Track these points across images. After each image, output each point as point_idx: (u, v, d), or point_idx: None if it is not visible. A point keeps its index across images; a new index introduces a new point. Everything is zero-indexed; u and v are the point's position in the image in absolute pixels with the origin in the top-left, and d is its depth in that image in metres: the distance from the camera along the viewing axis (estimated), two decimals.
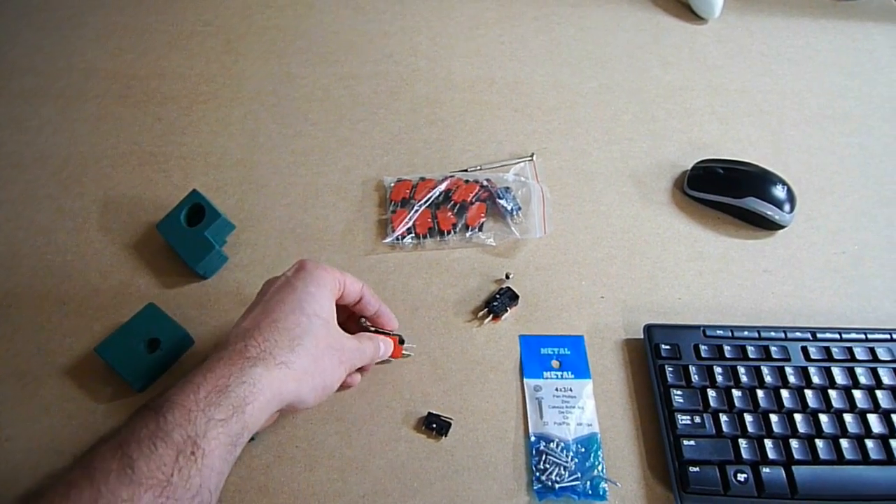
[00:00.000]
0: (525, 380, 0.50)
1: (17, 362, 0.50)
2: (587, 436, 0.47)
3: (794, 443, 0.46)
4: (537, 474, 0.45)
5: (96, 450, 0.33)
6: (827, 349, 0.50)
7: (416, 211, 0.58)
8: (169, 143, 0.63)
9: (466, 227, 0.58)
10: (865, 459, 0.46)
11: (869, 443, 0.46)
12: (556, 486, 0.45)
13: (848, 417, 0.47)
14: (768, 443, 0.46)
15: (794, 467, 0.45)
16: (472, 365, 0.51)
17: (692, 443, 0.46)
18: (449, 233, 0.57)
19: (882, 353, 0.50)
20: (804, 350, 0.50)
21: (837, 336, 0.51)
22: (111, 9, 0.74)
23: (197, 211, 0.54)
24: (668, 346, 0.50)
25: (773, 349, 0.50)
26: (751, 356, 0.50)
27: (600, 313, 0.54)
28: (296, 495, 0.44)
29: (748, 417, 0.47)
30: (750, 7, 0.79)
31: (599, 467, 0.46)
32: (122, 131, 0.64)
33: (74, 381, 0.49)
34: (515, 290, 0.54)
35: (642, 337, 0.52)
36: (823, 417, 0.47)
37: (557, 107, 0.68)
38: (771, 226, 0.59)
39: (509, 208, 0.58)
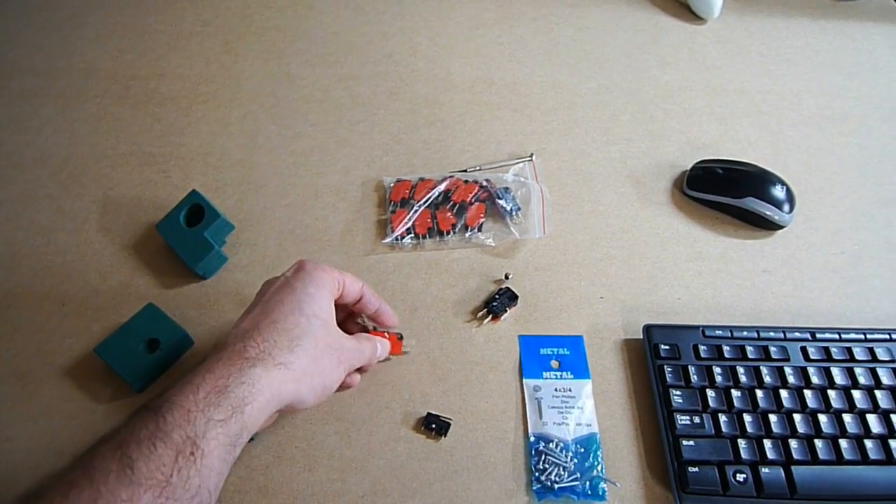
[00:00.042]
0: (524, 380, 0.50)
1: (16, 362, 0.50)
2: (586, 436, 0.47)
3: (793, 443, 0.46)
4: (536, 474, 0.45)
5: (96, 450, 0.33)
6: (826, 349, 0.50)
7: (416, 211, 0.58)
8: (168, 144, 0.63)
9: (466, 228, 0.58)
10: (864, 459, 0.46)
11: (868, 443, 0.46)
12: (556, 486, 0.45)
13: (847, 417, 0.47)
14: (767, 443, 0.46)
15: (793, 467, 0.45)
16: (472, 365, 0.51)
17: (691, 443, 0.46)
18: (448, 233, 0.57)
19: (881, 354, 0.50)
20: (803, 350, 0.50)
21: (836, 336, 0.51)
22: (111, 9, 0.74)
23: (196, 211, 0.54)
24: (667, 347, 0.50)
25: (772, 349, 0.50)
26: (750, 356, 0.50)
27: (599, 313, 0.54)
28: (295, 495, 0.44)
29: (747, 417, 0.47)
30: (749, 7, 0.80)
31: (599, 467, 0.46)
32: (122, 131, 0.64)
33: (74, 381, 0.49)
34: (515, 290, 0.54)
35: (641, 337, 0.52)
36: (822, 417, 0.47)
37: (556, 107, 0.68)
38: (770, 226, 0.59)
39: (508, 209, 0.58)
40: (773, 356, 0.50)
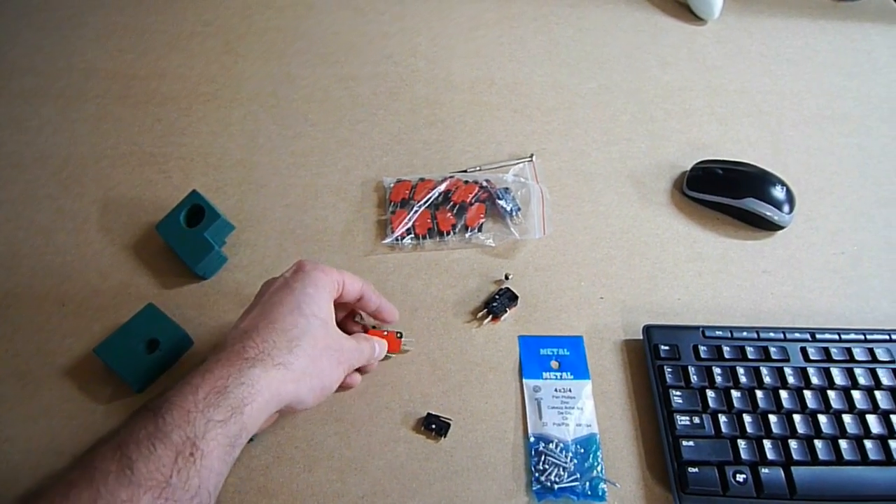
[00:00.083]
0: (524, 380, 0.50)
1: (16, 363, 0.50)
2: (586, 436, 0.47)
3: (793, 443, 0.46)
4: (536, 475, 0.45)
5: (96, 451, 0.33)
6: (826, 350, 0.50)
7: (416, 212, 0.58)
8: (169, 144, 0.63)
9: (466, 228, 0.58)
10: (864, 460, 0.46)
11: (868, 443, 0.46)
12: (556, 486, 0.45)
13: (847, 418, 0.47)
14: (767, 443, 0.46)
15: (792, 468, 0.45)
16: (472, 365, 0.51)
17: (691, 443, 0.46)
18: (448, 233, 0.57)
19: (881, 354, 0.50)
20: (803, 351, 0.50)
21: (836, 337, 0.51)
22: (111, 9, 0.74)
23: (196, 212, 0.54)
24: (667, 347, 0.50)
25: (772, 350, 0.50)
26: (750, 357, 0.50)
27: (599, 314, 0.54)
28: (295, 496, 0.44)
29: (747, 418, 0.47)
30: (749, 8, 0.80)
31: (598, 468, 0.46)
32: (122, 132, 0.64)
33: (74, 381, 0.49)
34: (515, 290, 0.54)
35: (641, 337, 0.52)
36: (822, 418, 0.47)
37: (556, 107, 0.68)
38: (770, 226, 0.59)
39: (509, 209, 0.58)
40: (773, 357, 0.50)
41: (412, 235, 0.57)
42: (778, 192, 0.59)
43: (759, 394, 0.48)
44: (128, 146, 0.63)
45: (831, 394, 0.48)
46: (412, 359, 0.51)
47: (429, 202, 0.59)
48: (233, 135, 0.64)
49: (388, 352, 0.49)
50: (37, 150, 0.62)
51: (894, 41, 0.78)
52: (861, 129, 0.69)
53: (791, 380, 0.49)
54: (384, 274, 0.55)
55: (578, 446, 0.47)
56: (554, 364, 0.51)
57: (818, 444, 0.46)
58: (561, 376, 0.50)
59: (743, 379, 0.49)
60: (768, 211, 0.58)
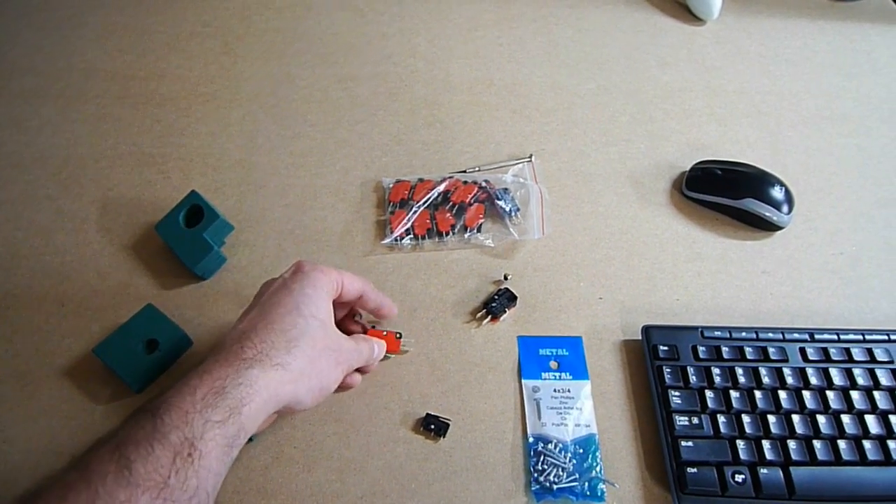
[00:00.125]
0: (523, 381, 0.50)
1: (15, 363, 0.50)
2: (585, 437, 0.47)
3: (791, 443, 0.46)
4: (535, 475, 0.45)
5: (94, 452, 0.33)
6: (825, 350, 0.50)
7: (415, 212, 0.58)
8: (168, 144, 0.63)
9: (465, 228, 0.58)
10: (863, 460, 0.46)
11: (866, 444, 0.46)
12: (554, 486, 0.45)
13: (846, 418, 0.47)
14: (766, 444, 0.46)
15: (791, 468, 0.45)
16: (471, 366, 0.51)
17: (690, 444, 0.46)
18: (447, 234, 0.57)
19: (880, 354, 0.50)
20: (802, 351, 0.50)
21: (835, 337, 0.51)
22: (111, 9, 0.74)
23: (196, 212, 0.54)
24: (665, 347, 0.50)
25: (771, 350, 0.50)
26: (749, 357, 0.50)
27: (598, 314, 0.54)
28: (294, 496, 0.44)
29: (746, 418, 0.47)
30: (748, 8, 0.80)
31: (597, 468, 0.46)
32: (122, 132, 0.64)
33: (73, 381, 0.49)
34: (514, 291, 0.54)
35: (640, 338, 0.52)
36: (821, 418, 0.47)
37: (556, 108, 0.68)
38: (769, 227, 0.59)
39: (508, 209, 0.58)
40: (772, 357, 0.50)
41: (411, 236, 0.57)
42: (777, 193, 0.59)
43: (757, 394, 0.48)
44: (127, 146, 0.63)
45: (830, 394, 0.48)
46: (411, 359, 0.51)
47: (428, 202, 0.59)
48: (232, 135, 0.64)
49: (387, 352, 0.49)
50: (36, 151, 0.62)
51: (893, 41, 0.78)
52: (860, 129, 0.69)
53: (790, 380, 0.49)
54: (383, 274, 0.55)
55: (577, 446, 0.47)
56: (553, 364, 0.51)
57: (817, 444, 0.46)
58: (560, 377, 0.50)
59: (742, 379, 0.49)
60: (767, 211, 0.58)
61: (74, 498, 0.31)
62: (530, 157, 0.63)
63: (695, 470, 0.45)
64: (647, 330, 0.51)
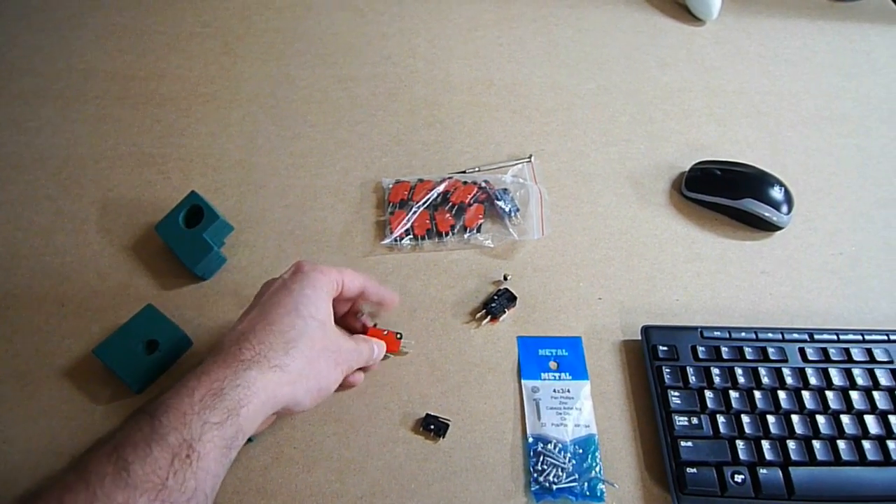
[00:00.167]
0: (523, 381, 0.50)
1: (15, 364, 0.50)
2: (585, 437, 0.47)
3: (791, 444, 0.46)
4: (535, 475, 0.45)
5: (92, 453, 0.33)
6: (824, 350, 0.51)
7: (415, 212, 0.58)
8: (168, 145, 0.63)
9: (464, 229, 0.58)
10: (862, 460, 0.46)
11: (866, 444, 0.46)
12: (554, 487, 0.45)
13: (845, 418, 0.47)
14: (765, 444, 0.46)
15: (791, 468, 0.45)
16: (470, 366, 0.51)
17: (689, 444, 0.46)
18: (447, 234, 0.57)
19: (879, 354, 0.51)
20: (801, 351, 0.50)
21: (835, 337, 0.51)
22: (110, 10, 0.74)
23: (195, 212, 0.54)
24: (665, 348, 0.50)
25: (770, 350, 0.50)
26: (748, 357, 0.50)
27: (598, 314, 0.54)
28: (294, 497, 0.45)
29: (745, 418, 0.47)
30: (747, 8, 0.80)
31: (597, 468, 0.46)
32: (122, 132, 0.64)
33: (73, 382, 0.49)
34: (513, 291, 0.54)
35: (640, 338, 0.52)
36: (820, 418, 0.47)
37: (555, 108, 0.68)
38: (768, 227, 0.59)
39: (507, 210, 0.58)
40: (772, 357, 0.50)
41: (411, 236, 0.57)
42: (776, 193, 0.59)
43: (757, 394, 0.48)
44: (127, 147, 0.63)
45: (829, 394, 0.48)
46: (411, 360, 0.51)
47: (427, 203, 0.59)
48: (232, 136, 0.64)
49: (387, 352, 0.49)
50: (36, 151, 0.62)
51: (893, 42, 0.78)
52: (860, 129, 0.69)
53: (789, 380, 0.49)
54: (383, 275, 0.55)
55: (577, 447, 0.47)
56: (552, 365, 0.51)
57: (816, 444, 0.46)
58: (559, 377, 0.50)
59: (741, 379, 0.49)
60: (767, 212, 0.58)
61: (72, 499, 0.31)
62: (530, 157, 0.63)
63: (694, 470, 0.45)
64: (646, 330, 0.51)
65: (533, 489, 0.45)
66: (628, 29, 0.76)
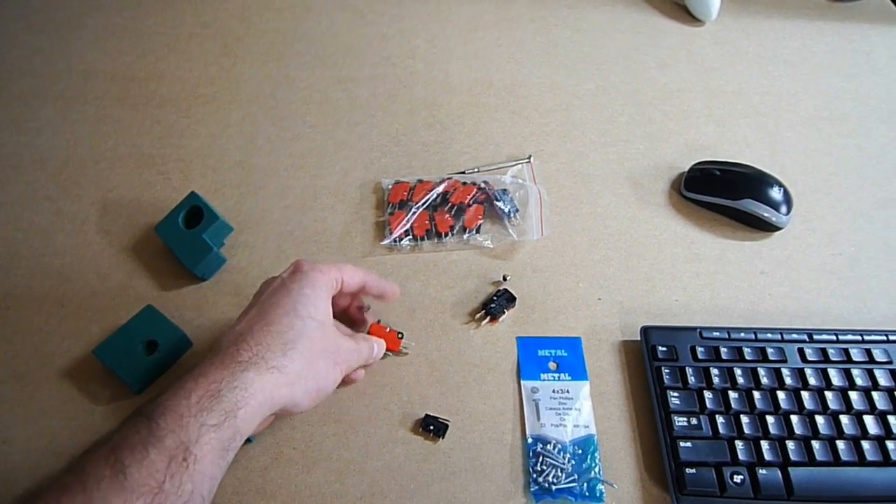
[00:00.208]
0: (522, 382, 0.50)
1: (15, 364, 0.50)
2: (584, 437, 0.47)
3: (790, 444, 0.46)
4: (534, 476, 0.45)
5: (89, 455, 0.33)
6: (823, 351, 0.51)
7: (414, 213, 0.58)
8: (167, 146, 0.63)
9: (464, 229, 0.58)
10: (862, 461, 0.46)
11: (865, 444, 0.46)
12: (553, 487, 0.45)
13: (844, 419, 0.47)
14: (765, 444, 0.46)
15: (790, 468, 0.45)
16: (470, 367, 0.51)
17: (689, 444, 0.46)
18: (446, 235, 0.57)
19: (878, 355, 0.50)
20: (801, 352, 0.50)
21: (834, 337, 0.51)
22: (110, 11, 0.74)
23: (195, 213, 0.54)
24: (664, 348, 0.50)
25: (769, 351, 0.50)
26: (747, 358, 0.50)
27: (597, 315, 0.54)
28: (293, 497, 0.45)
29: (744, 419, 0.47)
30: (746, 9, 0.80)
31: (596, 469, 0.46)
32: (121, 133, 0.64)
33: (73, 382, 0.49)
34: (513, 291, 0.54)
35: (639, 339, 0.52)
36: (820, 419, 0.47)
37: (554, 109, 0.68)
38: (767, 227, 0.59)
39: (507, 210, 0.58)
40: (771, 357, 0.50)
41: (410, 237, 0.57)
42: (775, 194, 0.59)
43: (756, 395, 0.48)
44: (127, 148, 0.63)
45: (828, 395, 0.48)
46: (410, 360, 0.51)
47: (427, 203, 0.59)
48: (231, 136, 0.64)
49: (387, 350, 0.49)
50: (36, 152, 0.62)
51: (892, 42, 0.78)
52: (859, 130, 0.69)
53: (788, 381, 0.49)
54: (382, 275, 0.55)
55: (576, 447, 0.47)
56: (552, 365, 0.51)
57: (815, 444, 0.46)
58: (559, 377, 0.50)
59: (740, 380, 0.49)
60: (766, 212, 0.58)
61: (69, 502, 0.31)
62: (529, 157, 0.63)
63: (693, 471, 0.45)
64: (645, 330, 0.51)
65: (532, 490, 0.45)
66: (627, 29, 0.76)
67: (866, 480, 0.45)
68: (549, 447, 0.47)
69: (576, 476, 0.45)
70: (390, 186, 0.60)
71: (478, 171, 0.62)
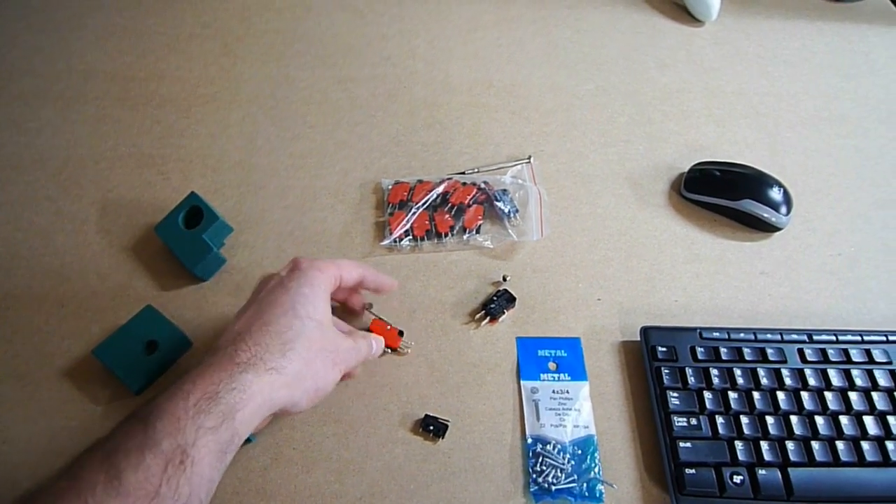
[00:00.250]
0: (522, 382, 0.50)
1: (15, 364, 0.50)
2: (584, 438, 0.47)
3: (789, 444, 0.46)
4: (534, 476, 0.45)
5: (83, 460, 0.32)
6: (823, 351, 0.51)
7: (414, 213, 0.58)
8: (167, 146, 0.63)
9: (464, 230, 0.58)
10: (861, 461, 0.46)
11: (865, 444, 0.46)
12: (553, 488, 0.45)
13: (844, 419, 0.47)
14: (764, 444, 0.46)
15: (789, 469, 0.45)
16: (469, 367, 0.51)
17: (688, 445, 0.46)
18: (446, 235, 0.57)
19: (878, 355, 0.51)
20: (800, 352, 0.51)
21: (833, 338, 0.51)
22: (110, 11, 0.74)
23: (195, 213, 0.54)
24: (664, 349, 0.50)
25: (769, 351, 0.50)
26: (747, 358, 0.50)
27: (597, 315, 0.54)
28: (293, 497, 0.45)
29: (744, 419, 0.47)
30: (746, 9, 0.80)
31: (596, 469, 0.46)
32: (121, 133, 0.64)
33: (73, 382, 0.49)
34: (512, 292, 0.54)
35: (639, 339, 0.52)
36: (819, 419, 0.47)
37: (554, 109, 0.68)
38: (767, 228, 0.59)
39: (506, 211, 0.58)
40: (770, 358, 0.50)
41: (410, 237, 0.57)
42: (775, 194, 0.59)
43: (756, 395, 0.48)
44: (127, 148, 0.63)
45: (828, 395, 0.48)
46: (410, 360, 0.51)
47: (427, 204, 0.59)
48: (231, 136, 0.64)
49: (387, 346, 0.49)
50: (36, 152, 0.62)
51: (892, 42, 0.78)
52: (858, 130, 0.69)
53: (788, 381, 0.49)
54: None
55: (576, 448, 0.47)
56: (551, 365, 0.51)
57: (815, 445, 0.46)
58: (558, 378, 0.50)
59: (740, 380, 0.49)
60: (765, 212, 0.58)
61: None
62: (529, 158, 0.63)
63: (693, 471, 0.45)
64: (645, 331, 0.51)
65: (532, 490, 0.45)
66: (627, 30, 0.76)
67: (866, 481, 0.45)
68: (549, 447, 0.47)
69: (575, 476, 0.45)
70: (390, 187, 0.60)
71: (478, 172, 0.62)
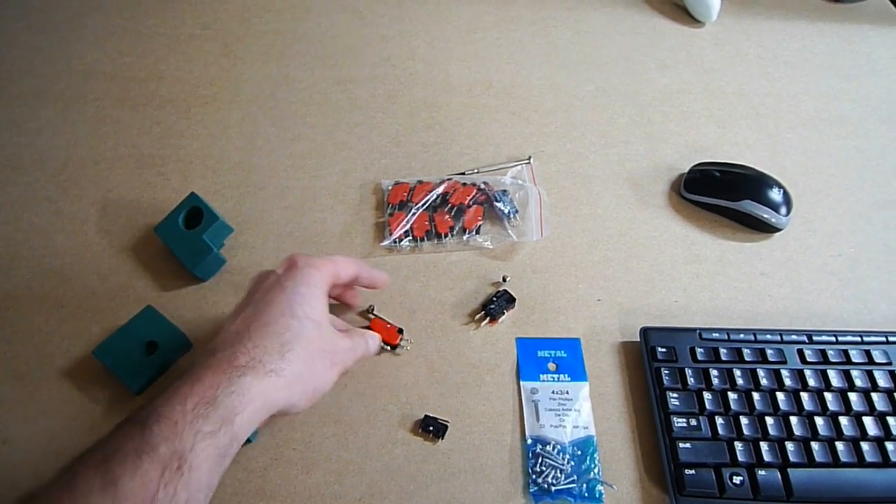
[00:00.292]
0: (521, 382, 0.50)
1: (15, 364, 0.50)
2: (583, 438, 0.47)
3: (789, 445, 0.46)
4: (533, 477, 0.45)
5: (79, 464, 0.32)
6: (823, 352, 0.51)
7: (414, 214, 0.58)
8: (167, 146, 0.63)
9: (463, 230, 0.58)
10: (861, 462, 0.46)
11: (864, 445, 0.46)
12: (553, 488, 0.45)
13: (843, 420, 0.47)
14: (764, 445, 0.46)
15: (789, 470, 0.45)
16: (469, 368, 0.51)
17: (688, 445, 0.46)
18: (446, 236, 0.57)
19: (878, 356, 0.51)
20: (800, 353, 0.50)
21: (833, 339, 0.51)
22: (110, 11, 0.74)
23: (195, 214, 0.54)
24: (664, 349, 0.50)
25: (769, 352, 0.50)
26: (747, 359, 0.50)
27: (597, 316, 0.54)
28: (293, 498, 0.45)
29: (744, 420, 0.47)
30: (747, 10, 0.80)
31: (595, 470, 0.46)
32: (121, 134, 0.64)
33: (73, 383, 0.49)
34: (512, 292, 0.54)
35: (639, 340, 0.52)
36: (819, 420, 0.47)
37: (554, 110, 0.68)
38: (767, 229, 0.59)
39: (506, 211, 0.58)
40: (770, 359, 0.50)
41: (410, 238, 0.57)
42: (775, 195, 0.59)
43: (755, 396, 0.48)
44: (126, 148, 0.63)
45: (828, 396, 0.48)
46: (410, 361, 0.51)
47: (427, 204, 0.59)
48: (231, 137, 0.64)
49: (385, 342, 0.49)
50: (35, 153, 0.62)
51: (892, 43, 0.78)
52: (859, 131, 0.69)
53: (788, 382, 0.49)
54: None
55: (575, 448, 0.47)
56: (551, 366, 0.51)
57: (815, 446, 0.46)
58: (558, 378, 0.50)
59: (740, 381, 0.49)
60: (765, 213, 0.58)
61: None
62: (529, 158, 0.63)
63: (693, 472, 0.45)
64: (645, 331, 0.51)
65: (531, 490, 0.45)
66: (627, 31, 0.76)
67: (865, 482, 0.45)
68: (549, 448, 0.47)
69: (575, 477, 0.45)
70: (390, 187, 0.60)
71: (477, 172, 0.62)
